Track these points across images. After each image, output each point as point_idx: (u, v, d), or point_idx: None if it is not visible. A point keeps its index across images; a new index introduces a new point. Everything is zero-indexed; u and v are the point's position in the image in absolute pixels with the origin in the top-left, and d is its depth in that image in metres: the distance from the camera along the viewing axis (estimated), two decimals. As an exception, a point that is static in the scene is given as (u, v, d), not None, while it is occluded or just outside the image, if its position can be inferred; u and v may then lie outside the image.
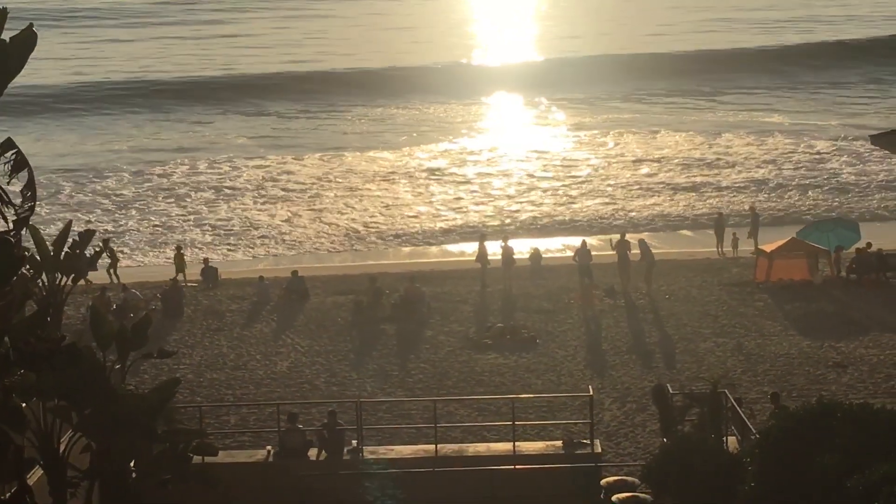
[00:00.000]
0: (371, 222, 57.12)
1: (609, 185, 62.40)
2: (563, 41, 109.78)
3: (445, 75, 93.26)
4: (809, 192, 59.60)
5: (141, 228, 56.85)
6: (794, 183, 61.47)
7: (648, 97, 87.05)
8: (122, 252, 49.79)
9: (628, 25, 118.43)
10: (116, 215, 59.21)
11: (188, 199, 61.81)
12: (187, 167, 68.33)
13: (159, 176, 66.43)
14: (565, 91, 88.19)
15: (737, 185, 61.81)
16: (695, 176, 63.63)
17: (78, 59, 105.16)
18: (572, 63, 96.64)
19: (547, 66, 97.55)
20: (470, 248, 49.26)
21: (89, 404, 20.10)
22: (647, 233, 52.23)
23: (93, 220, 56.77)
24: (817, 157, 67.19)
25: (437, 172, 66.41)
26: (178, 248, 48.30)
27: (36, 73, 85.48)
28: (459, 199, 61.10)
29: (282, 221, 57.63)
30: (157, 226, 57.21)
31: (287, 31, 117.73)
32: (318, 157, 70.60)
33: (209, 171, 67.53)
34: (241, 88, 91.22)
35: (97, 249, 37.45)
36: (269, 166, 68.40)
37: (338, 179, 65.33)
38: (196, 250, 51.70)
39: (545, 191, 62.00)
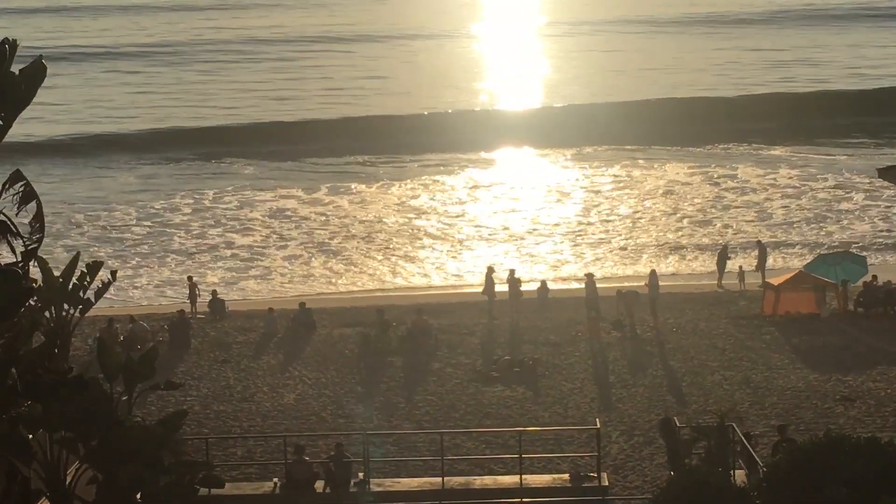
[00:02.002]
0: (379, 255, 57.23)
1: (617, 224, 62.21)
2: (565, 87, 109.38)
3: (451, 122, 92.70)
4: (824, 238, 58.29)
5: (151, 263, 56.86)
6: (810, 228, 60.58)
7: (656, 141, 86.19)
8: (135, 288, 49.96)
9: (630, 70, 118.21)
10: (123, 250, 59.29)
11: (195, 232, 61.85)
12: (192, 201, 68.31)
13: (167, 210, 66.39)
14: (573, 136, 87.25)
15: (745, 219, 61.80)
16: (706, 213, 63.21)
17: (85, 102, 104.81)
18: (576, 110, 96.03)
19: (553, 113, 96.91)
20: (477, 281, 49.32)
21: (96, 436, 20.12)
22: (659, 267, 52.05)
23: (103, 254, 56.72)
24: (829, 194, 66.36)
25: (443, 209, 66.33)
26: (190, 279, 48.34)
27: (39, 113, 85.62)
28: (468, 233, 61.13)
29: (290, 254, 57.75)
30: (167, 259, 57.29)
31: (283, 79, 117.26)
32: (325, 191, 70.53)
33: (215, 205, 67.48)
34: (256, 132, 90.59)
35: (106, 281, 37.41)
36: (277, 200, 68.39)
37: (346, 215, 65.29)
38: (205, 283, 51.68)
39: (554, 227, 61.92)
